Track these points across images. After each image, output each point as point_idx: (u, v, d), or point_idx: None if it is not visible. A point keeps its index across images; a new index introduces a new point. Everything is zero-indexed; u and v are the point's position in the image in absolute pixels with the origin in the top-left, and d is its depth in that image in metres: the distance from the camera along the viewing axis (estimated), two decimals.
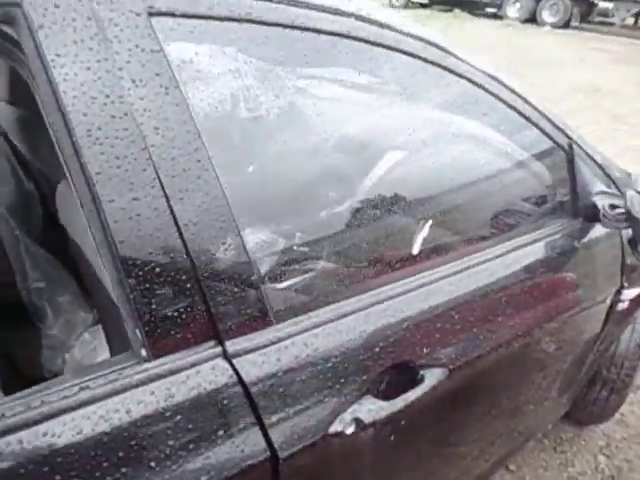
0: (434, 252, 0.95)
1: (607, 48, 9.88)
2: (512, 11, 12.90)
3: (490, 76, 0.97)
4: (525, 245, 1.10)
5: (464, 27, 11.88)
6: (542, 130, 1.11)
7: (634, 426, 1.94)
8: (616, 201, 1.19)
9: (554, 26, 12.04)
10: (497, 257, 1.02)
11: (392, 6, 14.93)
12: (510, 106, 1.02)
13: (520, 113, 1.04)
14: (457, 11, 13.72)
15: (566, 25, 12.17)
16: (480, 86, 0.95)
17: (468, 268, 0.95)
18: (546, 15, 12.38)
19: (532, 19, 12.52)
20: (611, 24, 12.13)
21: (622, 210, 1.17)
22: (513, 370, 1.15)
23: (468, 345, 0.90)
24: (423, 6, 14.76)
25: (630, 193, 1.16)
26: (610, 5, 11.69)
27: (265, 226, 0.71)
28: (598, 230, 1.25)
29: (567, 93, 6.68)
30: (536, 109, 1.08)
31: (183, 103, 0.58)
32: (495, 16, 13.21)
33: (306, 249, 0.77)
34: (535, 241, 1.12)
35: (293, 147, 0.77)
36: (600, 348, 1.49)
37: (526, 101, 1.06)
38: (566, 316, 1.20)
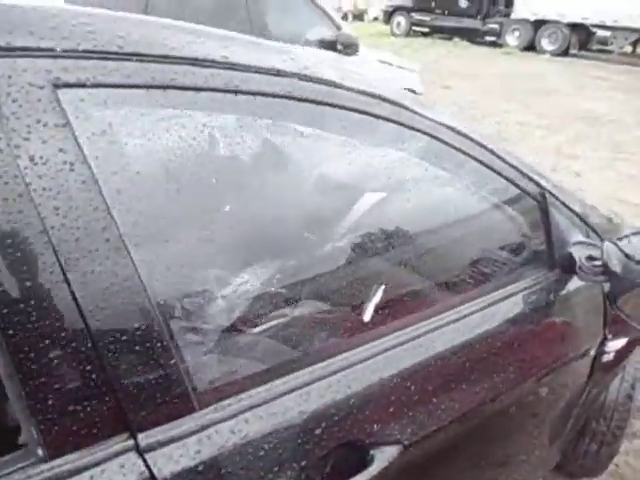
0: (394, 314, 0.90)
1: (606, 76, 9.95)
2: (511, 39, 13.09)
3: (450, 128, 0.94)
4: (499, 300, 1.04)
5: (464, 55, 12.05)
6: (511, 181, 1.06)
7: (630, 478, 1.84)
8: (594, 252, 1.14)
9: (553, 54, 12.18)
10: (469, 315, 0.97)
11: (394, 34, 15.20)
12: (474, 158, 0.98)
13: (486, 165, 1.00)
14: (457, 39, 13.93)
15: (565, 53, 12.30)
16: (438, 139, 0.91)
17: (435, 329, 0.89)
18: (545, 43, 12.54)
19: (531, 47, 12.68)
20: (609, 52, 12.25)
21: (599, 262, 1.12)
22: (492, 429, 1.08)
23: (433, 414, 0.85)
24: (424, 34, 15.01)
25: (607, 244, 1.11)
26: (608, 33, 11.82)
27: (187, 296, 0.67)
28: (577, 281, 1.20)
29: (566, 121, 6.69)
30: (504, 160, 1.04)
31: (91, 179, 0.54)
32: (495, 44, 13.40)
33: (233, 319, 0.72)
34: (510, 295, 1.07)
35: (221, 218, 0.73)
36: (587, 400, 1.42)
37: (493, 152, 1.02)
38: (545, 371, 1.14)
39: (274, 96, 0.71)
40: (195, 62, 0.64)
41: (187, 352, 0.62)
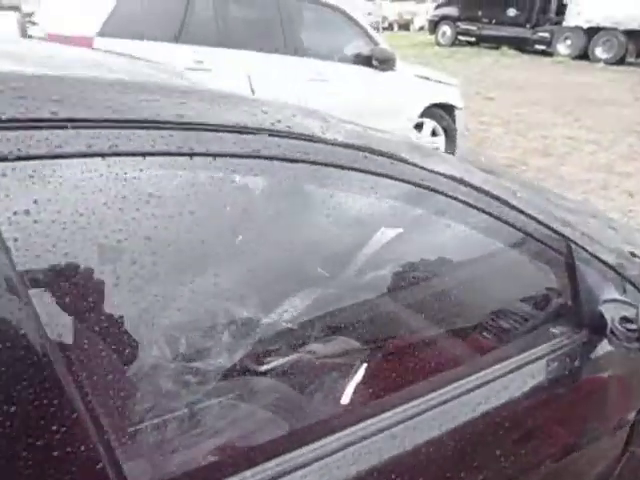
0: (395, 386, 0.80)
1: None
2: (563, 48, 12.57)
3: (454, 179, 0.83)
4: (517, 368, 0.92)
5: (511, 64, 11.66)
6: (530, 234, 0.94)
7: None
8: (629, 312, 1.00)
9: (608, 62, 11.59)
10: (487, 382, 0.85)
11: (438, 44, 14.95)
12: (484, 211, 0.87)
13: (498, 218, 0.89)
14: (504, 48, 13.52)
15: (621, 61, 11.68)
16: (439, 192, 0.81)
17: (447, 401, 0.79)
18: (599, 51, 11.95)
19: (584, 56, 12.12)
20: None
21: (635, 326, 0.97)
22: None
23: None
24: (470, 44, 14.68)
25: None
26: None
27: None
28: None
29: (619, 135, 6.30)
30: (521, 211, 0.92)
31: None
32: (544, 53, 12.92)
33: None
34: (529, 362, 0.94)
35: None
36: (623, 472, 1.25)
37: (507, 203, 0.90)
38: (568, 451, 1.00)
39: (239, 156, 0.63)
40: (142, 124, 0.57)
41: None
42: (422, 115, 4.67)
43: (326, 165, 0.70)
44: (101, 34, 3.29)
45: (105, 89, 0.58)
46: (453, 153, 4.92)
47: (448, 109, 4.82)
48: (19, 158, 0.51)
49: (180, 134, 0.60)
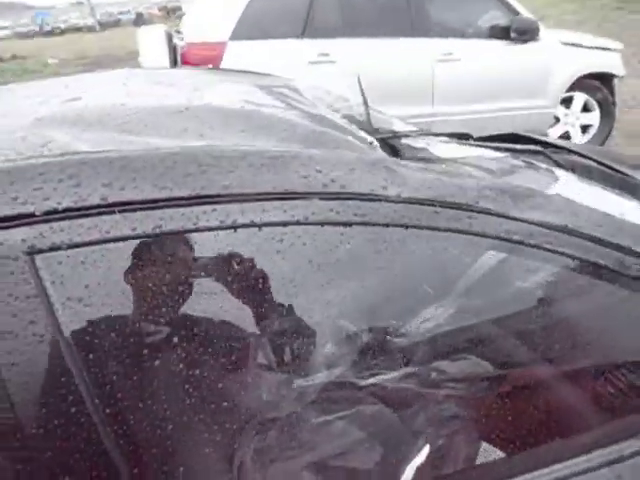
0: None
1: None
2: None
3: (560, 229, 0.69)
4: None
5: None
6: None
7: None
8: None
9: None
10: None
11: None
12: (602, 266, 0.71)
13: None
14: None
15: None
16: (532, 245, 0.68)
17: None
18: None
19: None
20: None
21: None
22: None
23: None
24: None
25: None
26: None
27: None
28: None
29: None
30: None
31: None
32: None
33: None
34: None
35: None
36: None
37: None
38: None
39: (285, 224, 0.60)
40: (186, 200, 0.57)
41: None
42: (571, 88, 4.10)
43: (386, 225, 0.63)
44: (233, 38, 3.47)
45: (154, 165, 0.59)
46: (610, 131, 4.26)
47: (606, 79, 4.16)
48: (70, 247, 0.54)
49: (223, 207, 0.59)
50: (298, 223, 0.61)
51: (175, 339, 0.60)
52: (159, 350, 0.59)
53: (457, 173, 0.71)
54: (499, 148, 1.87)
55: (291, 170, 0.63)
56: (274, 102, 1.16)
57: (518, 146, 1.91)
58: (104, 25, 31.09)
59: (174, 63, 3.70)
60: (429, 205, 0.65)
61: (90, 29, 30.29)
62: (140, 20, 25.96)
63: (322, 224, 0.62)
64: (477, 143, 1.96)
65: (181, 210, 0.57)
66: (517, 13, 3.96)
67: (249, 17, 3.49)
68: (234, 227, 0.59)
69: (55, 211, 0.54)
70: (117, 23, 32.00)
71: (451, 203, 0.66)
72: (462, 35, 3.90)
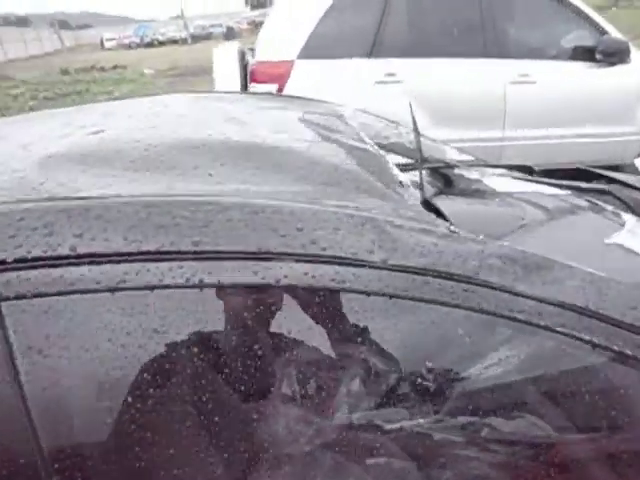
0: None
1: None
2: None
3: (575, 309, 0.60)
4: None
5: None
6: None
7: None
8: None
9: None
10: None
11: None
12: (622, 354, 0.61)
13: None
14: None
15: None
16: (544, 327, 0.59)
17: None
18: None
19: None
20: None
21: None
22: None
23: None
24: None
25: None
26: None
27: None
28: None
29: None
30: None
31: None
32: None
33: None
34: None
35: None
36: None
37: None
38: None
39: (255, 287, 0.57)
40: (153, 255, 0.56)
41: None
42: None
43: (366, 294, 0.58)
44: (301, 56, 3.51)
45: (128, 215, 0.58)
46: None
47: None
48: (35, 296, 0.54)
49: (191, 265, 0.56)
50: (268, 286, 0.57)
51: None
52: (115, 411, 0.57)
53: (461, 238, 0.64)
54: (562, 185, 1.72)
55: (269, 228, 0.59)
56: (310, 134, 1.13)
57: (584, 184, 1.74)
58: (196, 38, 33.00)
59: (244, 81, 3.80)
60: (419, 274, 0.59)
61: (184, 42, 32.32)
62: (231, 34, 27.19)
63: (294, 289, 0.58)
64: (537, 179, 1.81)
65: (147, 265, 0.56)
66: (605, 33, 3.68)
67: (318, 36, 3.51)
68: (200, 286, 0.56)
69: (24, 259, 0.55)
70: (209, 36, 33.80)
71: (445, 273, 0.59)
72: (540, 56, 3.68)
